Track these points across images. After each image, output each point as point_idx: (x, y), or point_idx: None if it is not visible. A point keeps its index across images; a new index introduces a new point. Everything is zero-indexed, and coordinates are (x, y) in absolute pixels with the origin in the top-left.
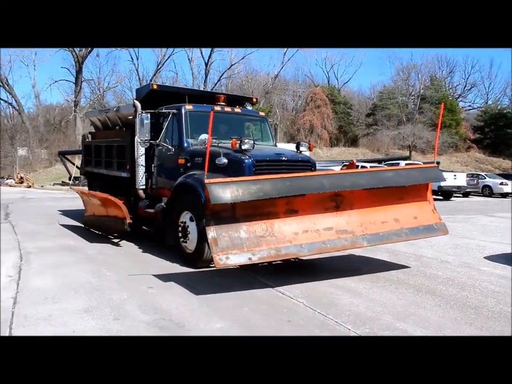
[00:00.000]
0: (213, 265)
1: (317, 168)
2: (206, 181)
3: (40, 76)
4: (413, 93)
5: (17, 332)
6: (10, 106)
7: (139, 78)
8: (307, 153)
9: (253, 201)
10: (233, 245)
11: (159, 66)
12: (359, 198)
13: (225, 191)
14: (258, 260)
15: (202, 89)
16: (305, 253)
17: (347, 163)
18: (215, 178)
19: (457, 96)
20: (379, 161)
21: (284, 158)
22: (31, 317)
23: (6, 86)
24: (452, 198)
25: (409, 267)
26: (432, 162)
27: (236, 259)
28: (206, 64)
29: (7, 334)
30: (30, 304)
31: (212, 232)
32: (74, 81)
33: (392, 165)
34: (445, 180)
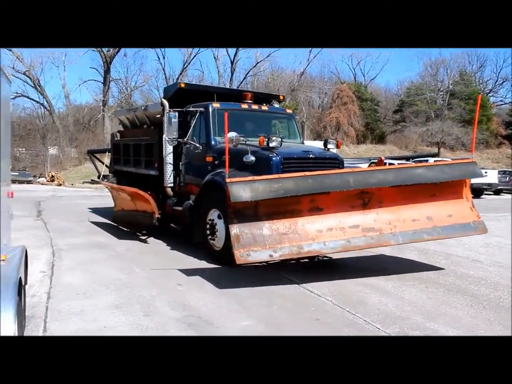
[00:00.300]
0: None
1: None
2: (227, 180)
3: (70, 77)
4: (441, 89)
5: (51, 326)
6: (42, 107)
7: (166, 77)
8: (335, 150)
9: (276, 199)
10: (255, 242)
11: (185, 65)
12: (388, 195)
13: (246, 190)
14: (280, 257)
15: (228, 87)
16: (328, 250)
17: (375, 160)
18: (236, 177)
19: (488, 91)
20: (407, 159)
21: (311, 156)
22: (64, 311)
23: (37, 87)
24: (483, 196)
25: (439, 266)
26: (469, 158)
27: (257, 256)
28: (232, 62)
29: (41, 328)
30: (62, 299)
31: (234, 230)
32: (102, 81)
33: (421, 162)
34: (483, 176)
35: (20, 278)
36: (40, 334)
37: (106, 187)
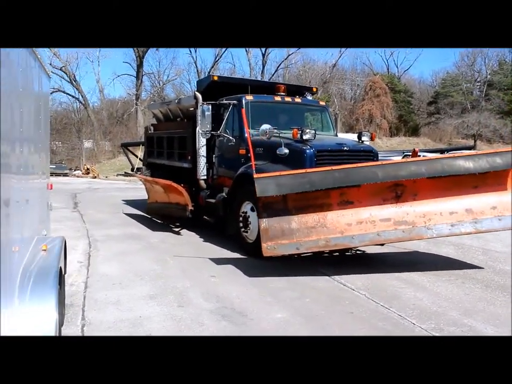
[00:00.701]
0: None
1: None
2: (255, 175)
3: (104, 71)
4: (478, 79)
5: (89, 315)
6: (77, 101)
7: (197, 71)
8: (368, 143)
9: (305, 193)
10: (283, 235)
11: (217, 58)
12: (424, 187)
13: (272, 185)
14: (306, 250)
15: (260, 79)
16: (355, 244)
17: (408, 153)
18: (264, 172)
19: None
20: (441, 151)
21: (345, 148)
22: (101, 301)
23: (73, 82)
24: None
25: (477, 261)
26: None
27: (283, 249)
28: (263, 55)
29: (80, 316)
30: (99, 289)
31: (263, 223)
32: (135, 75)
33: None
34: None
35: (60, 267)
36: (79, 322)
37: (140, 180)
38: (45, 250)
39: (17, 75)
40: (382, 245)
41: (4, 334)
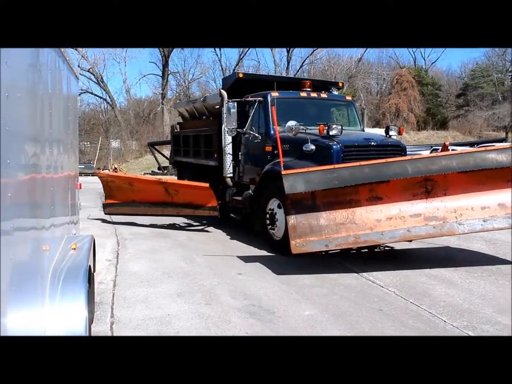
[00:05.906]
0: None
1: None
2: (283, 172)
3: (131, 71)
4: (510, 69)
5: (118, 313)
6: (104, 102)
7: (222, 68)
8: (396, 137)
9: (334, 189)
10: (312, 232)
11: (242, 56)
12: (455, 182)
13: (300, 181)
14: (335, 247)
15: (285, 76)
16: (385, 240)
17: (436, 147)
18: (292, 169)
19: None
20: (471, 144)
21: (373, 143)
22: (130, 299)
23: (101, 83)
24: None
25: (510, 257)
26: None
27: (312, 246)
28: (288, 51)
29: (109, 314)
30: (128, 286)
31: (291, 220)
32: (161, 75)
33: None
34: None
35: (90, 266)
36: (108, 319)
37: (101, 176)
38: (74, 249)
39: (46, 77)
40: (410, 241)
41: (35, 331)
